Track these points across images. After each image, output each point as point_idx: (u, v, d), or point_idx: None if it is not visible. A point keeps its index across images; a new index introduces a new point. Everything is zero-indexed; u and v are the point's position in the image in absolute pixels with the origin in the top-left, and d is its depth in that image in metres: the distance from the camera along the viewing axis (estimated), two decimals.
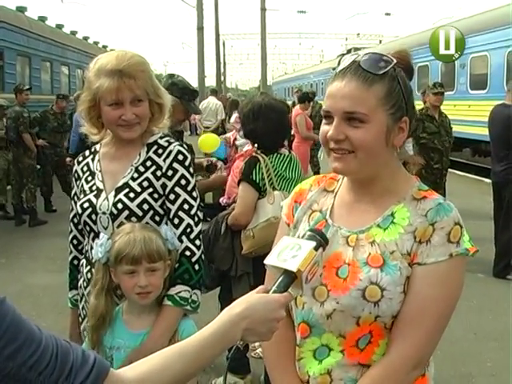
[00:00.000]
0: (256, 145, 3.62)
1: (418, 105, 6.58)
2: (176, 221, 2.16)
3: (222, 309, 1.34)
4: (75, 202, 2.29)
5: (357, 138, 1.43)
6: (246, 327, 1.23)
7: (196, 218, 2.20)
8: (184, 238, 2.15)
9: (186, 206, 2.17)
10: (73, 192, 2.35)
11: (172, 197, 2.17)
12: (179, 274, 2.13)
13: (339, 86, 1.45)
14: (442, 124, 7.17)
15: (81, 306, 2.34)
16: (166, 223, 2.18)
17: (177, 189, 2.17)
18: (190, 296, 2.13)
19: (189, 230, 2.17)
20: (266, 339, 1.30)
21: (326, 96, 1.49)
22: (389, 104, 1.45)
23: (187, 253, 2.15)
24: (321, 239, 1.36)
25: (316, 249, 1.33)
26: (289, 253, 1.31)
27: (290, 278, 1.29)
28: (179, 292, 2.11)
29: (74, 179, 2.36)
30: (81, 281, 2.33)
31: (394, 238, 1.47)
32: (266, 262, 1.34)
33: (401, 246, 1.46)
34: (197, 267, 2.16)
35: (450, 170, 7.84)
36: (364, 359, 1.49)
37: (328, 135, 1.46)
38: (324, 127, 1.49)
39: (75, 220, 2.32)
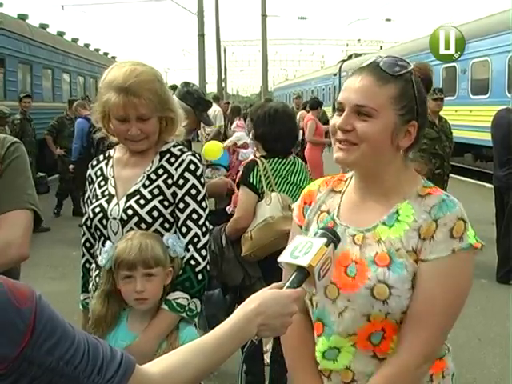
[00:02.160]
0: (261, 148, 3.60)
1: None
2: (184, 229, 2.17)
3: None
4: (88, 206, 2.31)
5: (363, 130, 1.48)
6: (260, 323, 1.27)
7: (204, 229, 2.20)
8: (190, 247, 2.17)
9: (194, 216, 2.18)
10: (86, 196, 2.37)
11: (181, 205, 2.18)
12: (180, 281, 2.14)
13: (355, 81, 1.52)
14: (442, 129, 7.15)
15: (90, 310, 2.33)
16: (176, 231, 2.19)
17: (187, 198, 2.18)
18: (188, 304, 2.14)
19: (196, 239, 2.18)
20: (280, 334, 1.34)
21: (342, 89, 1.56)
22: (399, 105, 1.49)
23: (192, 262, 2.16)
24: (332, 236, 1.40)
25: (327, 245, 1.36)
26: (301, 250, 1.35)
27: (303, 275, 1.33)
28: (177, 298, 2.13)
29: (87, 183, 2.38)
30: (90, 284, 2.35)
31: (399, 235, 1.51)
32: (279, 259, 1.38)
33: (406, 244, 1.49)
34: (200, 277, 2.17)
35: (451, 175, 7.81)
36: (380, 352, 1.53)
37: (337, 124, 1.52)
38: (335, 118, 1.55)
39: (88, 223, 2.33)
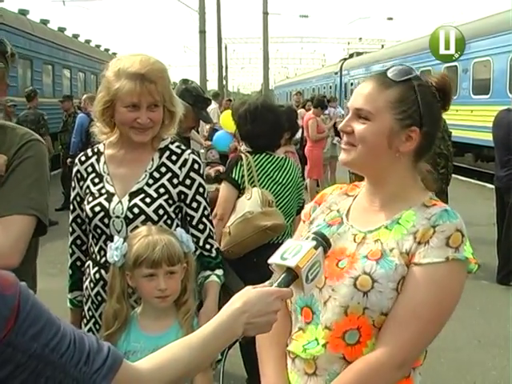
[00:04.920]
0: (250, 146, 3.57)
1: None
2: (201, 226, 2.29)
3: None
4: (79, 204, 2.28)
5: (360, 131, 1.54)
6: (246, 321, 1.28)
7: (211, 220, 2.38)
8: (210, 240, 2.32)
9: (206, 212, 2.31)
10: (74, 192, 2.31)
11: (194, 205, 2.27)
12: (218, 262, 2.33)
13: (361, 86, 1.59)
14: (444, 129, 7.14)
15: (86, 308, 2.31)
16: (178, 225, 2.22)
17: (198, 197, 2.27)
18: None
19: (211, 233, 2.34)
20: (265, 331, 1.35)
21: None
22: (397, 109, 1.53)
23: (214, 252, 2.34)
24: (322, 241, 1.41)
25: (316, 248, 1.37)
26: (291, 252, 1.36)
27: (291, 276, 1.34)
28: (222, 274, 2.32)
29: (75, 179, 2.31)
30: (87, 282, 2.30)
31: (396, 238, 1.52)
32: (269, 261, 1.39)
33: (401, 245, 1.51)
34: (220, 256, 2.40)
35: (452, 175, 7.78)
36: (350, 356, 1.50)
37: (339, 127, 1.62)
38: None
39: (78, 220, 2.31)
